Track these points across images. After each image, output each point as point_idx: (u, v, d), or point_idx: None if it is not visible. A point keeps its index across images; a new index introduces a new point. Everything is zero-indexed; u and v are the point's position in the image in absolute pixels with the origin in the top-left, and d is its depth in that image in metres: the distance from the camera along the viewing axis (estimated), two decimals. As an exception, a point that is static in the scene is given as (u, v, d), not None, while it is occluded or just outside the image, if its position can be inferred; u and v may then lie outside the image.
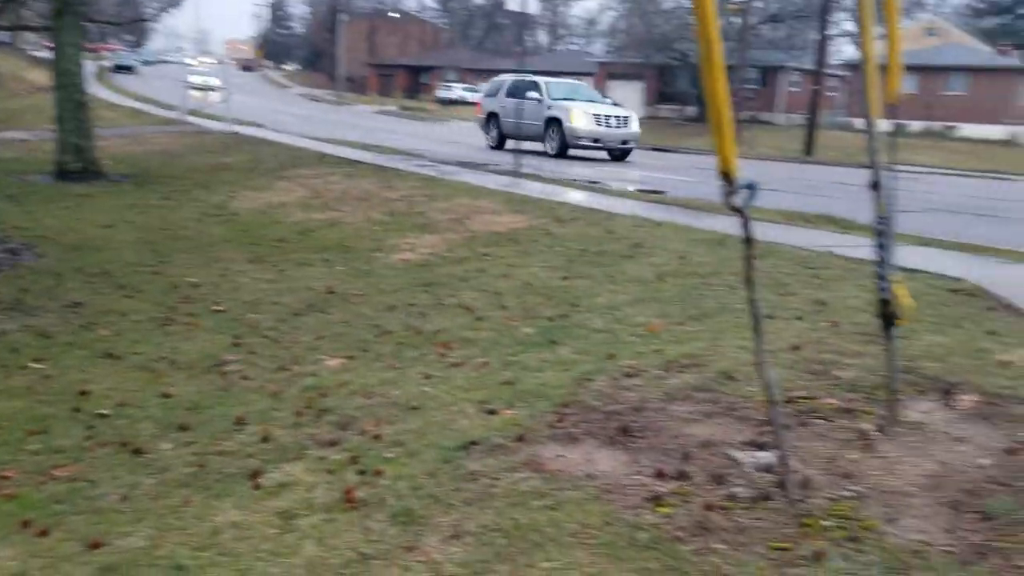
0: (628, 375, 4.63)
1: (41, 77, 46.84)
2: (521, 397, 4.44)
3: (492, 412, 4.23)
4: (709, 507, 3.05)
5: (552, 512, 3.02)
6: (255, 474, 3.58)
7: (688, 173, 20.29)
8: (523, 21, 19.13)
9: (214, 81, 52.41)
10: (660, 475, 3.33)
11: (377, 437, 3.99)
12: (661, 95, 48.76)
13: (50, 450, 4.03)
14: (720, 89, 2.46)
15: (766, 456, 3.48)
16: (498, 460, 3.52)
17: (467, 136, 31.80)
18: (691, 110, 44.56)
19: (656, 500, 3.11)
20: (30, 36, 62.33)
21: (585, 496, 3.15)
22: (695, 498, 3.14)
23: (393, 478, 3.41)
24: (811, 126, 29.55)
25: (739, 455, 3.52)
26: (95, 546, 3.00)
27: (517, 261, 8.63)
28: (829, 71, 42.71)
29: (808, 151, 29.19)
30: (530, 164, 17.54)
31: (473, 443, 3.74)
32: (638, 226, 9.97)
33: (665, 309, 6.36)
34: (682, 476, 3.32)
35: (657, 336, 5.59)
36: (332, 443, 3.97)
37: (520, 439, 3.76)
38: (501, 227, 10.33)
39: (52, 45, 16.12)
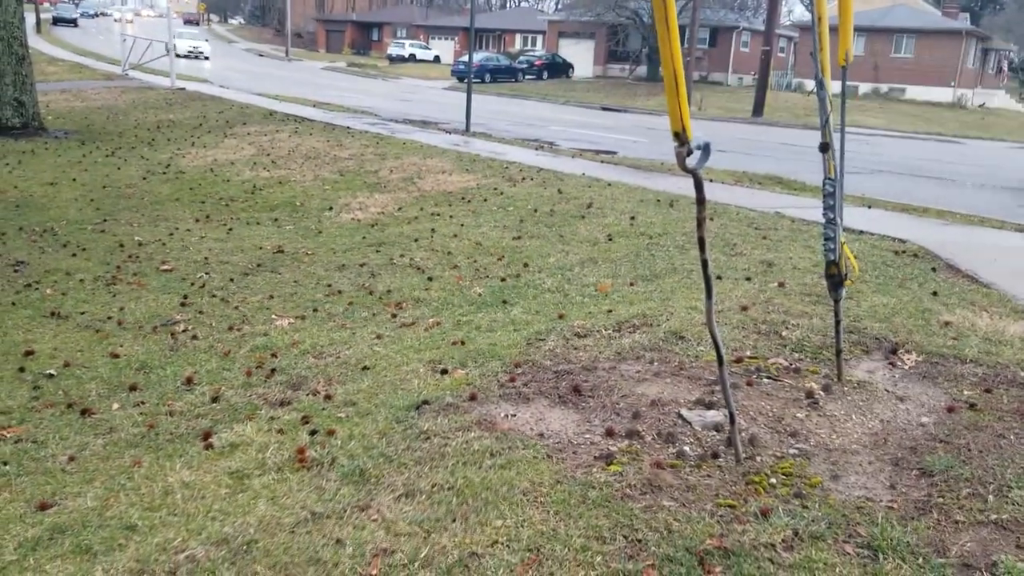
0: (579, 335, 4.66)
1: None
2: (473, 357, 4.44)
3: (444, 372, 4.22)
4: (658, 465, 3.09)
5: (504, 471, 3.03)
6: (206, 434, 3.53)
7: (638, 133, 20.31)
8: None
9: (204, 46, 45.90)
10: (610, 434, 3.37)
11: (329, 397, 3.96)
12: (612, 54, 48.52)
13: (-6, 412, 3.92)
14: (675, 49, 2.43)
15: (714, 415, 3.54)
16: (450, 420, 3.52)
17: (417, 93, 31.35)
18: (642, 70, 44.44)
19: (607, 459, 3.14)
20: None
21: (536, 455, 3.17)
22: (645, 456, 3.18)
23: (345, 438, 3.39)
24: (761, 87, 29.69)
25: (688, 414, 3.57)
26: (44, 507, 2.94)
27: (468, 221, 8.58)
28: (779, 32, 42.89)
29: (758, 112, 29.39)
30: (476, 123, 17.40)
31: (425, 403, 3.73)
32: (588, 186, 9.97)
33: (616, 269, 6.40)
34: (632, 435, 3.35)
35: (607, 296, 5.62)
36: (283, 403, 3.93)
37: (472, 398, 3.76)
38: (452, 186, 10.25)
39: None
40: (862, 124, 28.40)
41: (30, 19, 44.72)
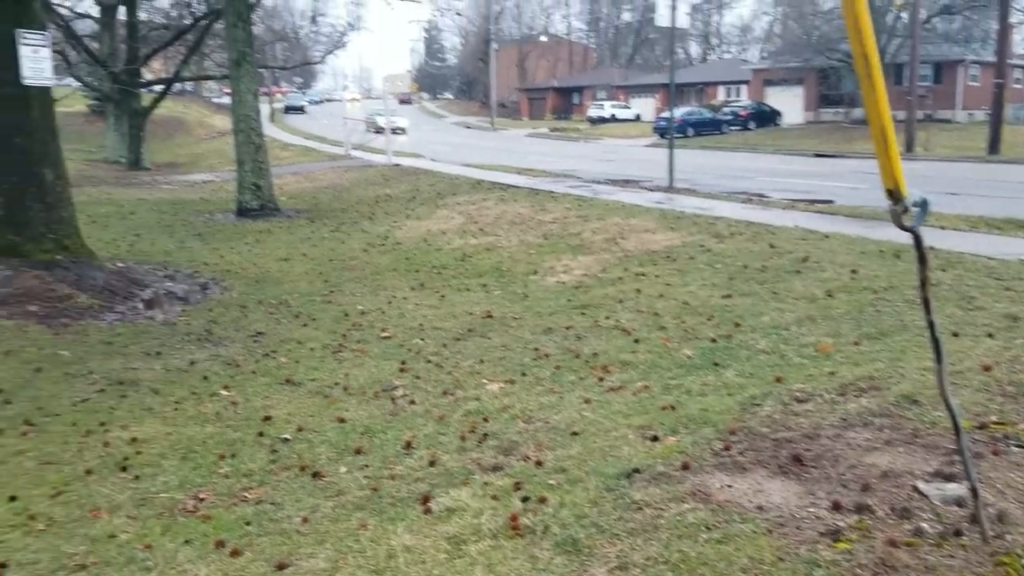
0: (799, 400, 4.45)
1: (222, 122, 50.71)
2: (684, 423, 4.36)
3: (654, 439, 4.18)
4: (893, 543, 2.87)
5: (721, 545, 2.94)
6: (425, 498, 3.70)
7: (857, 179, 19.33)
8: (673, 34, 18.73)
9: (402, 121, 46.54)
10: (837, 508, 3.17)
11: (539, 463, 4.03)
12: (823, 98, 46.83)
13: (239, 473, 4.33)
14: (881, 105, 2.33)
15: (955, 488, 3.24)
16: (663, 489, 3.47)
17: (618, 153, 31.72)
18: (858, 112, 42.44)
19: (834, 535, 2.96)
20: (212, 84, 67.81)
21: (756, 529, 3.05)
22: (877, 533, 2.97)
23: (557, 505, 3.43)
24: (995, 122, 27.38)
25: (925, 487, 3.30)
26: (281, 567, 3.20)
27: (674, 280, 8.50)
28: (1012, 62, 39.53)
29: (993, 149, 27.07)
30: (679, 179, 17.25)
31: (636, 471, 3.70)
32: (803, 239, 9.59)
33: (837, 328, 6.08)
34: (862, 509, 3.14)
35: (829, 357, 5.35)
36: (496, 468, 4.05)
37: (685, 467, 3.68)
38: (656, 245, 10.22)
39: (231, 92, 17.46)
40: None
41: (265, 110, 50.08)
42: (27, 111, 9.09)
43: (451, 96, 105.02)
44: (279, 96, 78.79)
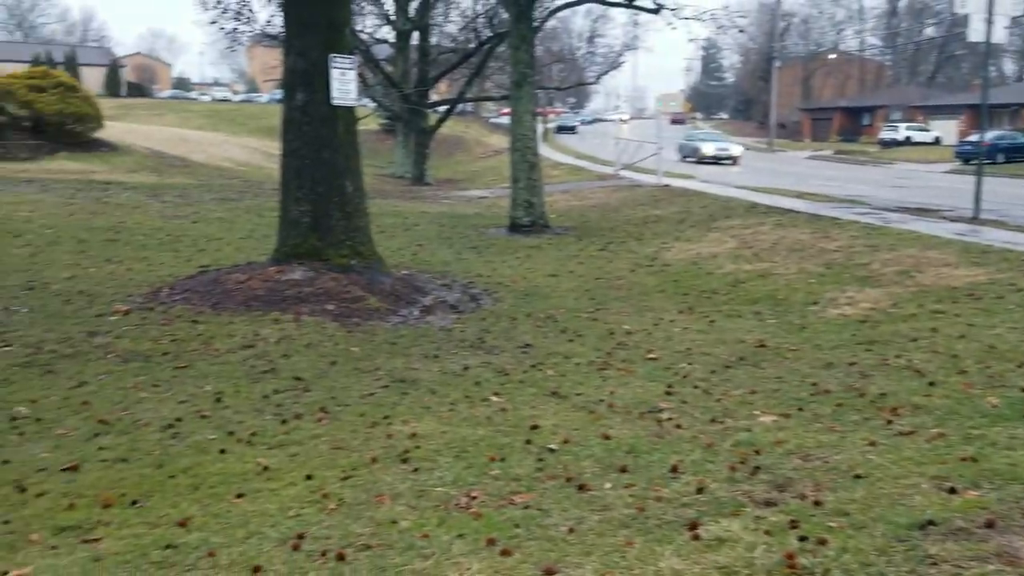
0: None
1: (498, 141, 53.60)
2: (988, 477, 3.97)
3: (952, 491, 3.84)
4: None
5: (1036, 617, 2.65)
6: (693, 525, 3.67)
7: None
8: (988, 50, 17.09)
9: (735, 149, 39.54)
10: None
11: (818, 503, 3.85)
12: None
13: (508, 477, 4.54)
14: None
15: None
16: (962, 546, 3.18)
17: (913, 179, 29.43)
18: None
19: None
20: (490, 105, 71.92)
21: (1081, 605, 2.71)
22: None
23: (838, 549, 3.26)
24: None
25: None
26: (550, 572, 3.32)
27: (978, 320, 7.75)
28: None
29: None
30: (987, 209, 15.67)
31: (930, 523, 3.42)
32: None
33: None
34: None
35: None
36: (769, 503, 3.92)
37: (989, 525, 3.36)
38: (957, 281, 9.37)
39: (510, 112, 18.44)
40: None
41: (538, 129, 52.18)
42: (334, 128, 10.18)
43: (726, 116, 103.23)
44: (552, 116, 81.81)
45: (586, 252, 14.22)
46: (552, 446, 5.07)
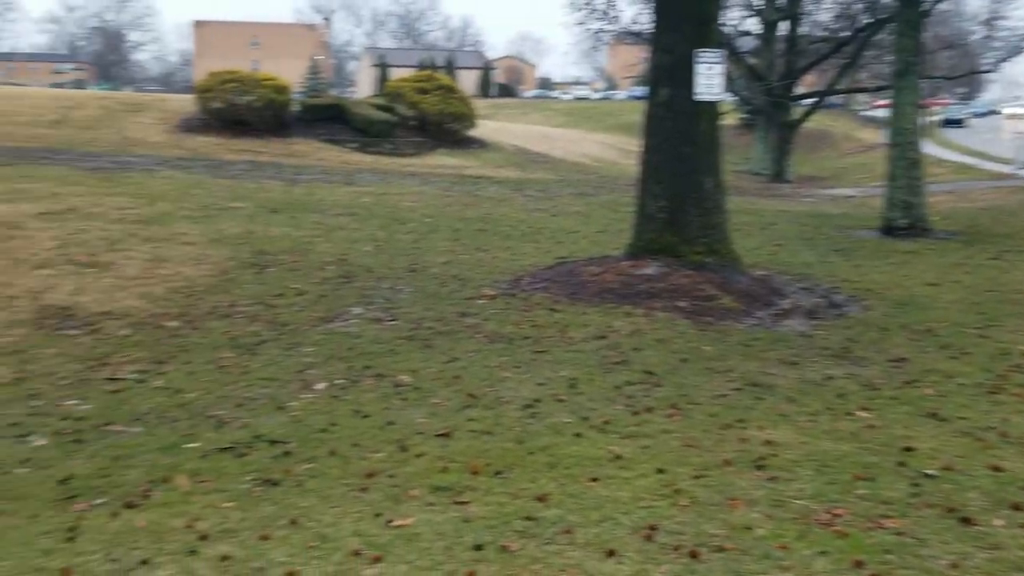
0: None
1: (870, 136, 50.11)
2: None
3: None
4: None
5: None
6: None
7: None
8: None
9: None
10: None
11: None
12: None
13: (876, 499, 4.24)
14: None
15: None
16: None
17: None
18: None
19: None
20: (861, 97, 67.36)
21: None
22: None
23: None
24: None
25: None
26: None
27: None
28: None
29: None
30: None
31: None
32: None
33: None
34: None
35: None
36: None
37: None
38: None
39: (888, 104, 17.09)
40: None
41: (919, 122, 47.69)
42: (696, 124, 10.16)
43: None
44: (936, 109, 74.61)
45: (974, 260, 12.77)
46: (930, 471, 4.64)
